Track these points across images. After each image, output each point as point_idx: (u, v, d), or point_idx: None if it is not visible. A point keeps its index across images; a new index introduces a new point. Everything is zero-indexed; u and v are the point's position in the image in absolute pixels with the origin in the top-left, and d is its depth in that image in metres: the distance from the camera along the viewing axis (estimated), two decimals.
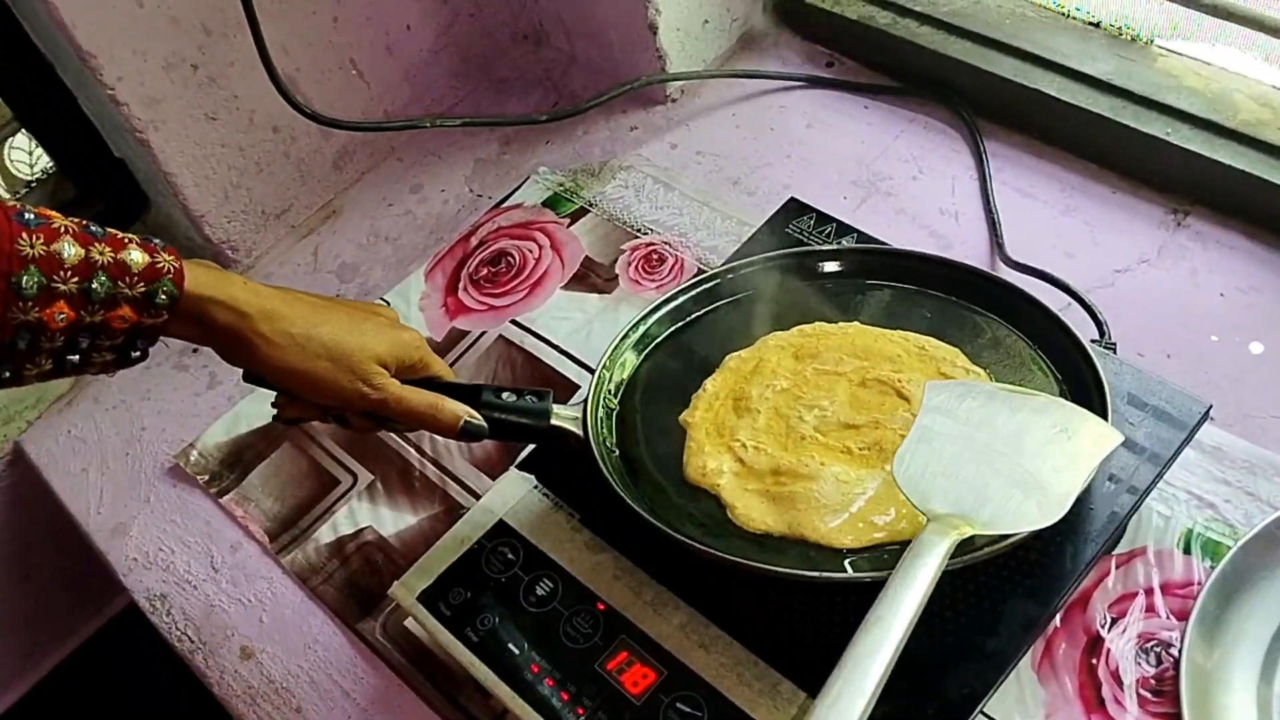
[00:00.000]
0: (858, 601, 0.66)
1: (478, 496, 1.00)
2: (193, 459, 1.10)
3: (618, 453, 0.88)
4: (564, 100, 1.36)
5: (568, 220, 1.21)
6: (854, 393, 0.85)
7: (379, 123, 1.32)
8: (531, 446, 0.95)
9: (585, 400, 0.88)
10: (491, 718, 0.88)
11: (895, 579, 0.66)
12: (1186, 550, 0.85)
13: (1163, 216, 1.07)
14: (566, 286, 1.15)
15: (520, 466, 0.92)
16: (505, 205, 1.25)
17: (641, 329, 0.95)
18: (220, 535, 1.05)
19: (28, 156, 1.42)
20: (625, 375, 0.93)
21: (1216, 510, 0.87)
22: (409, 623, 0.93)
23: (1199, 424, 0.83)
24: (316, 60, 1.24)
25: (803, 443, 0.83)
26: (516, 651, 0.81)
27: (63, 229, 0.66)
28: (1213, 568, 0.82)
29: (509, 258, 1.19)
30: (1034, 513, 0.69)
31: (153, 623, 1.02)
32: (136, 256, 0.68)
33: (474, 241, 1.22)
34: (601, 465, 0.83)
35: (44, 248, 0.64)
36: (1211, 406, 0.83)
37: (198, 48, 1.13)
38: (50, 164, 1.31)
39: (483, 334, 1.13)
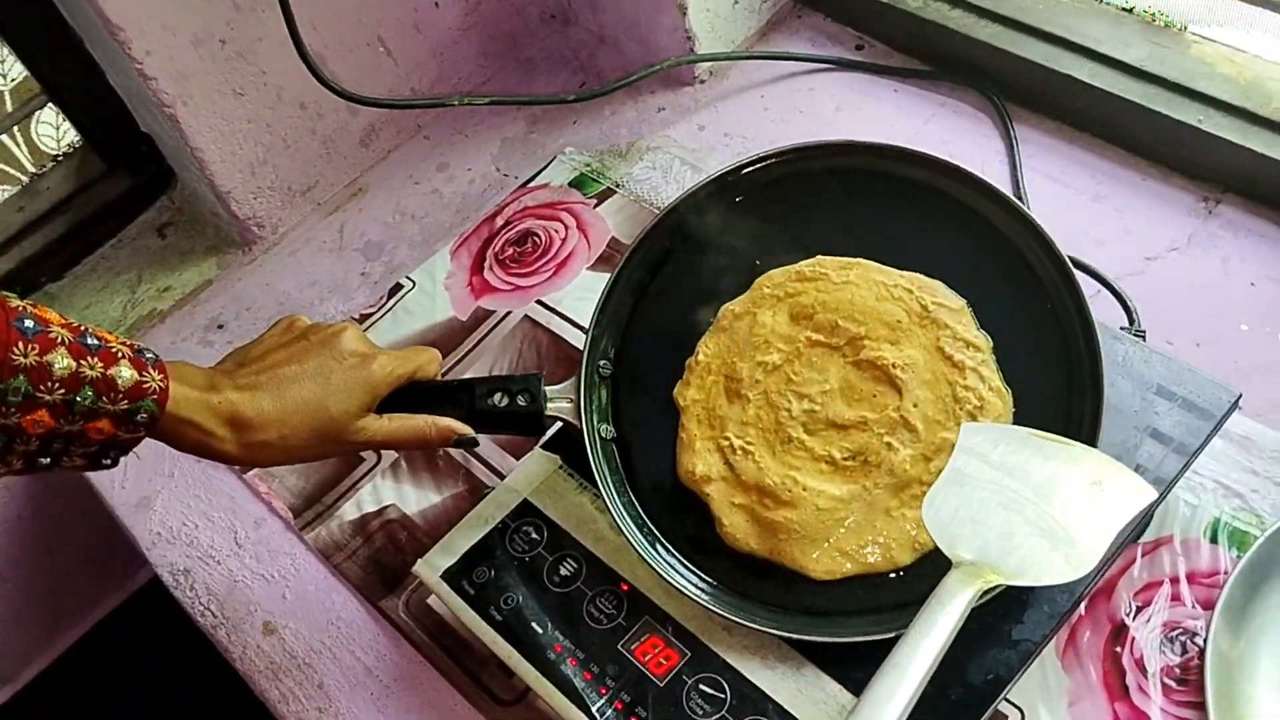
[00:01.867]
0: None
1: (501, 476, 1.00)
2: None
3: (613, 436, 0.88)
4: (591, 80, 1.36)
5: (594, 201, 1.21)
6: (846, 376, 0.84)
7: (406, 100, 1.31)
8: (556, 427, 0.95)
9: (578, 384, 0.88)
10: (514, 696, 0.88)
11: (918, 625, 0.65)
12: (1213, 539, 0.84)
13: (1194, 204, 1.06)
14: (593, 267, 1.15)
15: (545, 447, 0.92)
16: (532, 185, 1.25)
17: (625, 277, 0.93)
18: (244, 511, 1.06)
19: (55, 131, 1.42)
20: (618, 338, 0.92)
21: (1244, 500, 0.86)
22: (432, 601, 0.93)
23: (1228, 413, 0.83)
24: (344, 37, 1.23)
25: (788, 446, 0.83)
26: (540, 631, 0.81)
27: (59, 339, 0.66)
28: (1239, 557, 0.81)
29: (535, 238, 1.19)
30: (1061, 566, 0.68)
31: (175, 597, 1.02)
32: (126, 374, 0.69)
33: (500, 221, 1.22)
34: (594, 467, 0.85)
35: (37, 358, 0.64)
36: (1241, 395, 0.83)
37: (226, 23, 1.13)
38: (77, 138, 1.31)
39: (508, 314, 1.13)
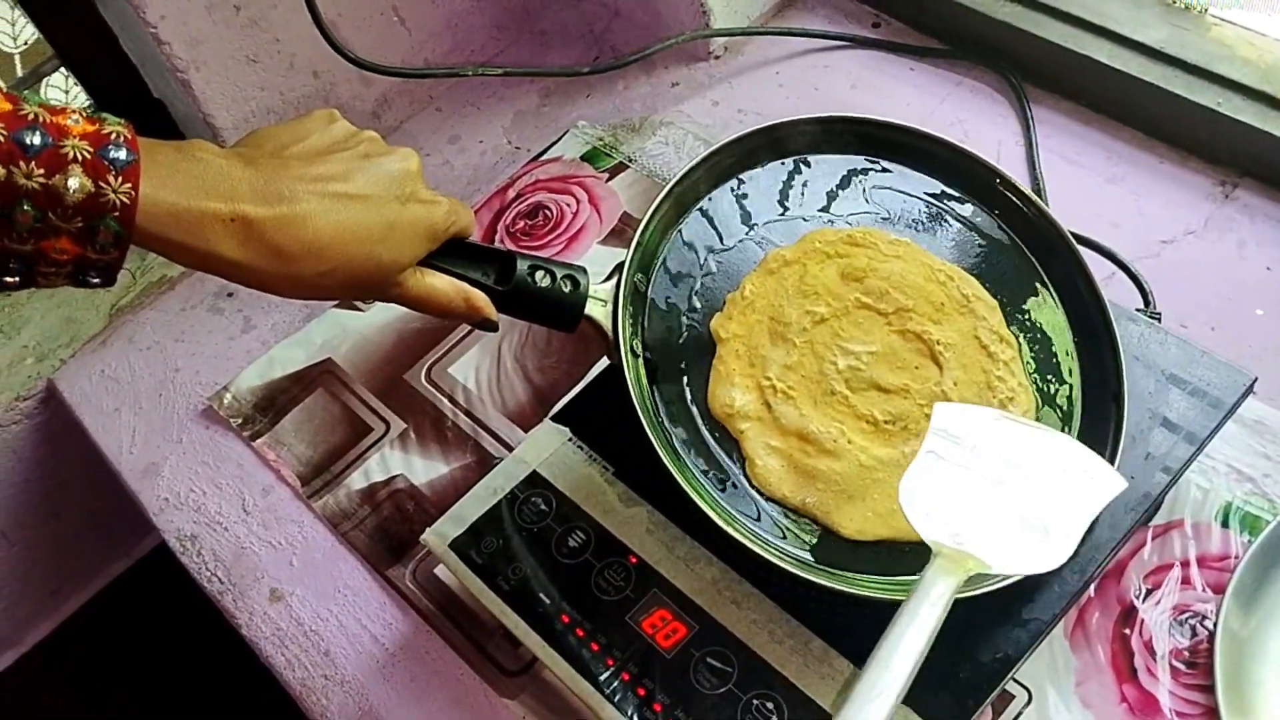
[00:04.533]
0: None
1: (510, 448, 1.00)
2: (226, 402, 1.10)
3: (645, 357, 0.83)
4: (605, 54, 1.35)
5: (606, 175, 1.20)
6: (891, 342, 0.83)
7: (420, 70, 1.31)
8: (566, 400, 0.95)
9: (616, 288, 0.81)
10: (520, 666, 0.88)
11: (902, 618, 0.63)
12: (1225, 524, 0.84)
13: (1210, 188, 1.05)
14: (604, 241, 1.14)
15: (555, 419, 0.92)
16: (544, 158, 1.24)
17: (681, 188, 0.87)
18: (252, 478, 1.06)
19: (64, 95, 1.42)
20: (659, 255, 0.87)
21: (1256, 484, 0.86)
22: (439, 570, 0.93)
23: (1243, 397, 0.82)
24: (359, 6, 1.23)
25: (830, 398, 0.82)
26: (547, 601, 0.81)
27: None
28: (1251, 542, 0.81)
29: (546, 211, 1.18)
30: (1038, 555, 0.66)
31: (182, 563, 1.02)
32: (75, 184, 0.55)
33: (511, 194, 1.21)
34: (630, 383, 0.78)
35: None
36: (1256, 379, 0.82)
37: None
38: (87, 103, 1.31)
39: None
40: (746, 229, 0.89)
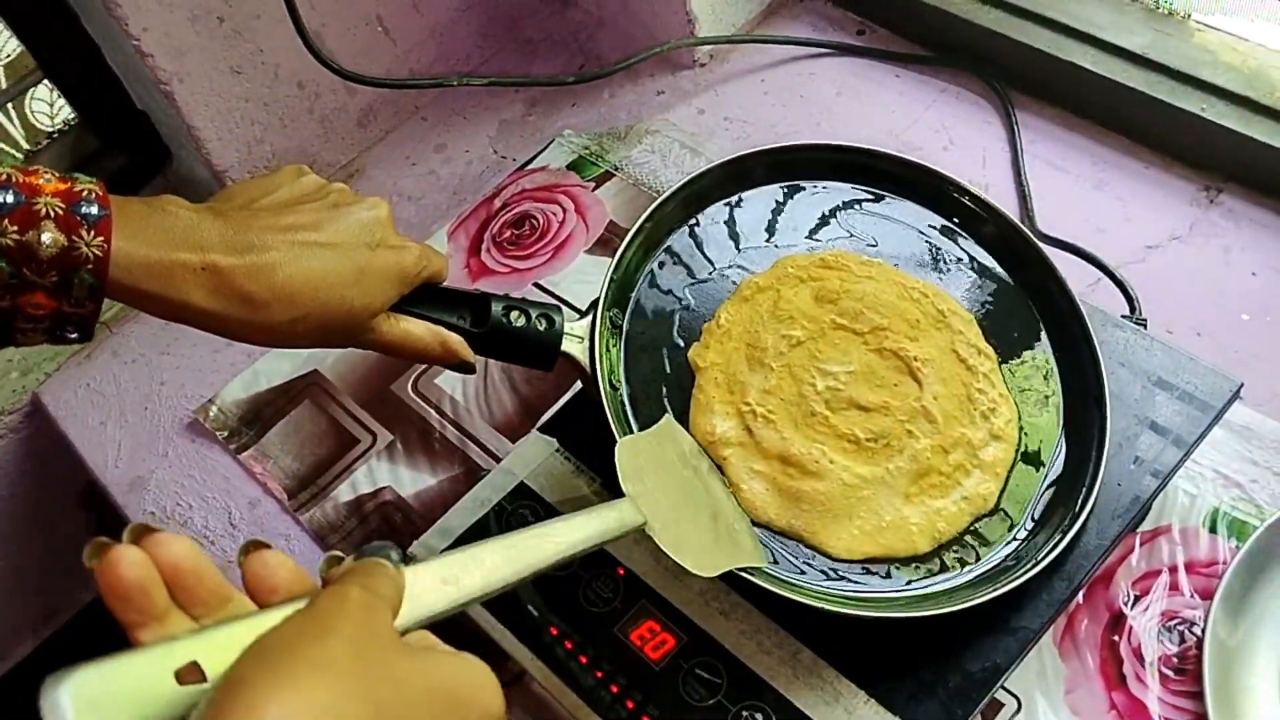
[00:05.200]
0: None
1: (498, 459, 0.99)
2: (212, 414, 1.10)
3: (624, 390, 0.83)
4: (591, 63, 1.35)
5: (593, 184, 1.20)
6: (869, 361, 0.84)
7: (404, 80, 1.31)
8: (554, 410, 0.95)
9: (592, 324, 0.82)
10: (508, 679, 0.87)
11: (565, 524, 0.63)
12: (1212, 529, 0.84)
13: (1195, 193, 1.05)
14: (590, 250, 1.14)
15: (542, 430, 0.91)
16: (530, 167, 1.24)
17: (645, 231, 0.88)
18: (239, 491, 1.05)
19: (49, 108, 1.41)
20: (634, 290, 0.88)
21: (1243, 490, 0.86)
22: None
23: (1229, 402, 0.82)
24: (342, 15, 1.23)
25: (811, 420, 0.81)
26: (535, 614, 0.81)
27: None
28: (1239, 547, 0.81)
29: (533, 220, 1.18)
30: (694, 556, 0.70)
31: None
32: (48, 239, 0.57)
33: (498, 203, 1.21)
34: (609, 413, 0.79)
35: None
36: (1242, 385, 0.83)
37: None
38: (71, 115, 1.30)
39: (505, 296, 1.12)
40: (722, 259, 0.90)
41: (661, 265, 0.89)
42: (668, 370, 0.85)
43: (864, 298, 0.86)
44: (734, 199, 0.92)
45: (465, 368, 0.77)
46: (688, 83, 1.29)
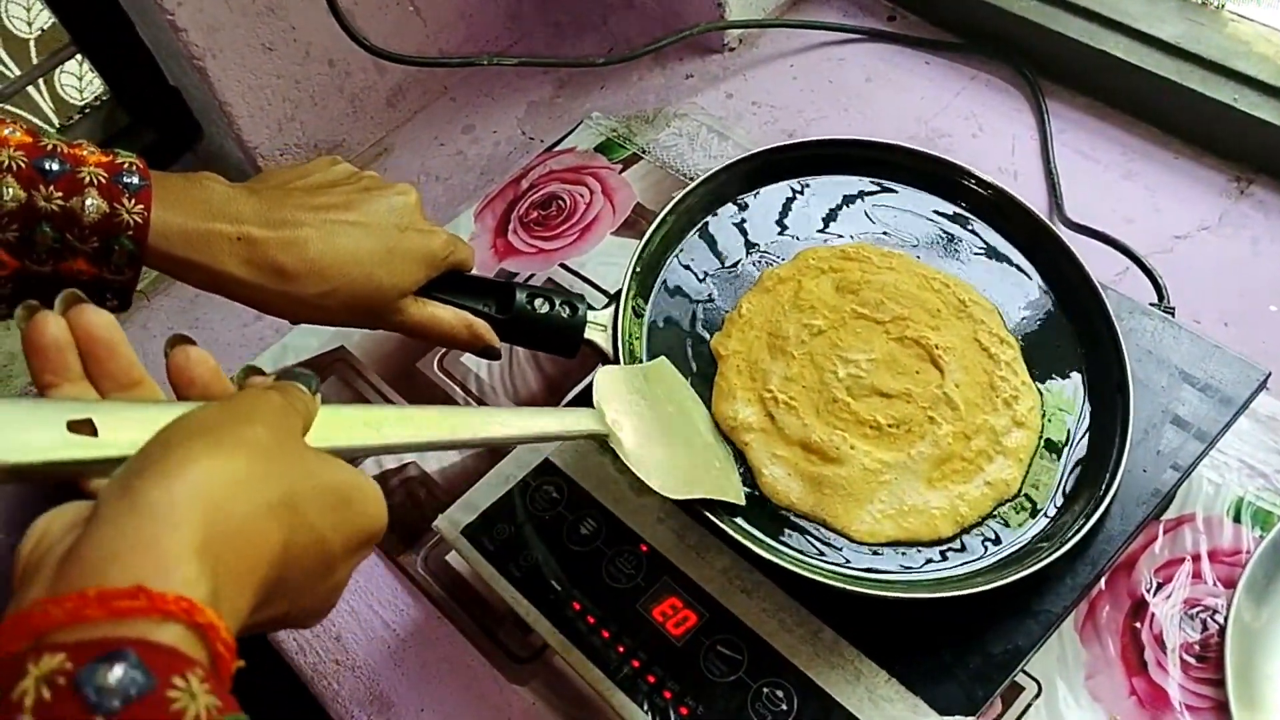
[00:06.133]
0: None
1: None
2: None
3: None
4: (620, 45, 1.35)
5: (620, 166, 1.20)
6: (890, 349, 0.84)
7: (435, 59, 1.31)
8: (578, 389, 0.95)
9: (615, 314, 0.85)
10: (530, 654, 0.88)
11: (516, 413, 0.68)
12: (1236, 518, 0.84)
13: (1225, 184, 1.05)
14: (617, 233, 1.15)
15: (569, 407, 0.92)
16: (557, 149, 1.24)
17: (668, 224, 0.90)
18: None
19: (78, 82, 1.42)
20: (656, 279, 0.90)
21: (1269, 480, 0.86)
22: (450, 557, 0.94)
23: (1256, 392, 0.82)
24: None
25: (833, 406, 0.82)
26: (558, 588, 0.81)
27: (6, 165, 0.58)
28: (1262, 537, 0.81)
29: (560, 201, 1.18)
30: (662, 478, 0.72)
31: None
32: (91, 204, 0.60)
33: (525, 184, 1.21)
34: None
35: None
36: (1270, 375, 0.82)
37: None
38: (101, 91, 1.31)
39: (531, 276, 1.13)
40: (745, 251, 0.91)
41: (683, 257, 0.91)
42: (690, 359, 0.86)
43: (885, 288, 0.86)
44: (752, 194, 0.94)
45: (490, 353, 0.80)
46: (716, 67, 1.29)
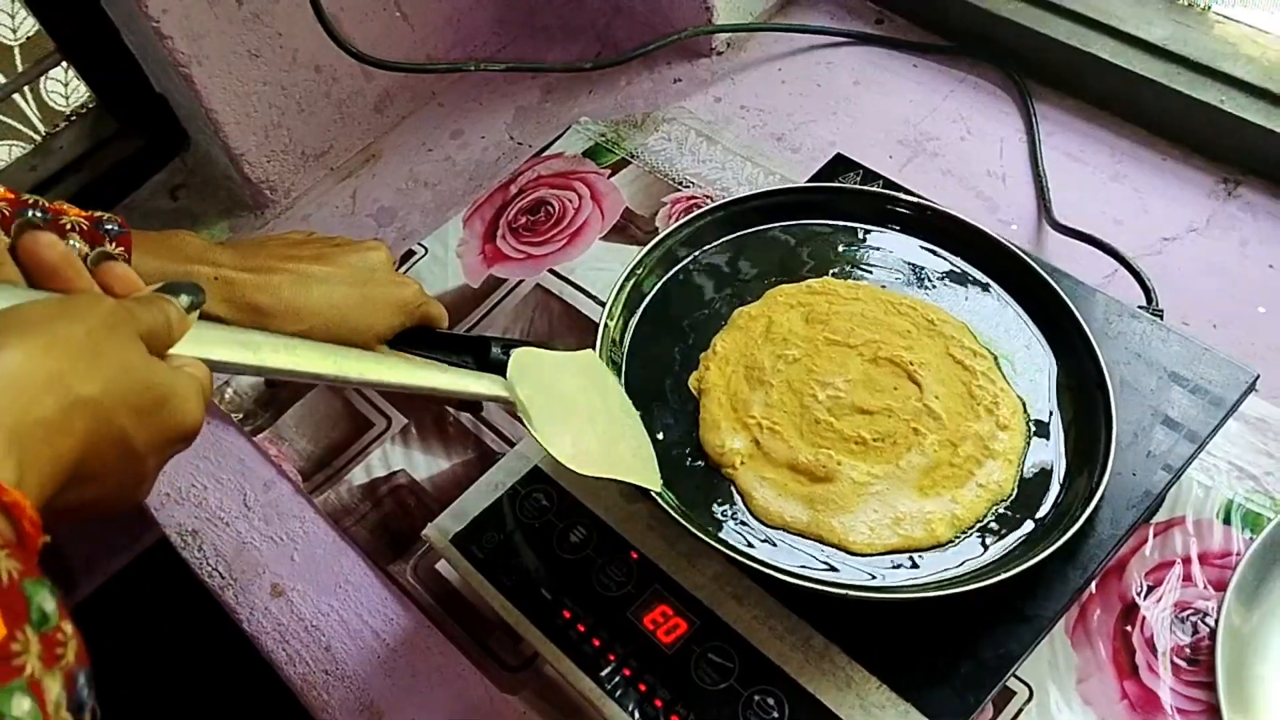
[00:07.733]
0: None
1: (512, 443, 0.99)
2: (227, 397, 1.10)
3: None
4: (607, 50, 1.35)
5: (608, 171, 1.20)
6: (866, 371, 0.84)
7: (422, 64, 1.31)
8: None
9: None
10: (520, 662, 0.88)
11: (410, 362, 0.69)
12: (1226, 521, 0.84)
13: (1213, 186, 1.05)
14: (606, 237, 1.14)
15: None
16: (546, 154, 1.24)
17: (636, 275, 0.92)
18: (253, 473, 1.05)
19: (63, 89, 1.41)
20: (630, 327, 0.91)
21: (1258, 482, 0.86)
22: (440, 566, 0.93)
23: (1245, 394, 0.82)
24: (361, 1, 1.23)
25: (817, 427, 0.82)
26: (549, 597, 0.81)
27: None
28: (1252, 539, 0.81)
29: (548, 207, 1.18)
30: (572, 454, 0.72)
31: (184, 558, 1.02)
32: (75, 245, 0.63)
33: (513, 189, 1.21)
34: None
35: None
36: (1259, 376, 0.82)
37: None
38: (86, 98, 1.31)
39: (520, 282, 1.13)
40: (715, 290, 0.92)
41: (659, 300, 0.92)
42: (670, 401, 0.87)
43: (853, 317, 0.88)
44: (719, 240, 0.95)
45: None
46: (705, 71, 1.29)
